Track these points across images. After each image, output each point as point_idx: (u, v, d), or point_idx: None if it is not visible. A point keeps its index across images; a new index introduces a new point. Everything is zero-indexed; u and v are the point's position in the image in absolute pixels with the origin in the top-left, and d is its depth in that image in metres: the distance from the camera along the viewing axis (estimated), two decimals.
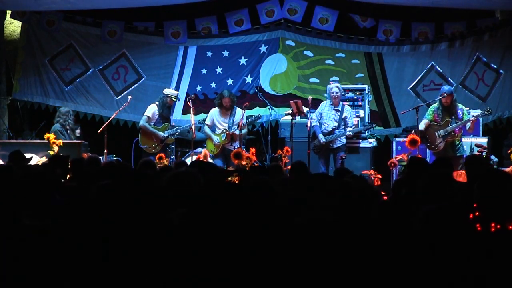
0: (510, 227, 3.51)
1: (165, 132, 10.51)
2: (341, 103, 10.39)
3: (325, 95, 11.40)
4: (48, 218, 3.61)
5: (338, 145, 10.21)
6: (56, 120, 10.98)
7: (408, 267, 3.25)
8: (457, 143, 9.79)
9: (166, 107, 10.57)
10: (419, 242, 3.32)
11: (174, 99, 10.70)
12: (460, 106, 9.84)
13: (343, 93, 10.57)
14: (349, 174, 5.60)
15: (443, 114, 9.74)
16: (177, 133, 10.65)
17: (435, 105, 9.91)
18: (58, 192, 4.11)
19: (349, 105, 11.11)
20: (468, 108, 10.18)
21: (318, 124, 10.24)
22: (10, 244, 3.26)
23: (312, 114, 10.34)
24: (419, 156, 8.95)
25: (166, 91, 10.67)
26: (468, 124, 9.65)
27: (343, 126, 10.23)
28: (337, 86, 10.35)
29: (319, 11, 12.33)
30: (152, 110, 10.55)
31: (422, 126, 9.90)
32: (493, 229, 3.48)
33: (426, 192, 4.16)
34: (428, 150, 10.65)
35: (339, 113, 10.26)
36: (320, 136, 10.13)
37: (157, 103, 10.59)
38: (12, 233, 3.31)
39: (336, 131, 10.18)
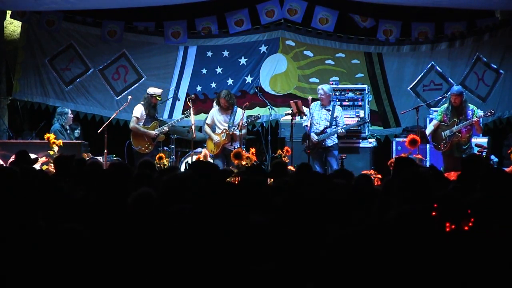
0: (466, 228, 3.52)
1: (156, 130, 10.50)
2: (331, 103, 10.42)
3: None
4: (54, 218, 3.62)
5: (330, 144, 10.23)
6: (55, 120, 11.00)
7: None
8: (465, 144, 9.70)
9: (152, 107, 10.56)
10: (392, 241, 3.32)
11: (159, 98, 10.68)
12: (471, 107, 9.73)
13: (330, 93, 10.44)
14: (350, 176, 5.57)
15: (451, 115, 9.69)
16: (166, 131, 10.62)
17: (445, 105, 9.87)
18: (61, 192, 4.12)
19: (349, 105, 11.13)
20: (493, 110, 10.04)
21: (309, 124, 10.24)
22: (23, 246, 3.27)
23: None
24: (405, 155, 8.93)
25: (150, 90, 10.64)
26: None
27: (335, 126, 10.25)
28: (322, 89, 10.36)
29: (319, 11, 12.34)
30: (139, 110, 10.52)
31: (431, 127, 9.88)
32: (447, 229, 3.49)
33: (401, 191, 4.15)
34: (428, 150, 10.66)
35: (330, 113, 10.30)
36: (312, 134, 10.14)
37: (142, 103, 10.56)
38: (24, 236, 3.31)
39: (328, 130, 10.20)
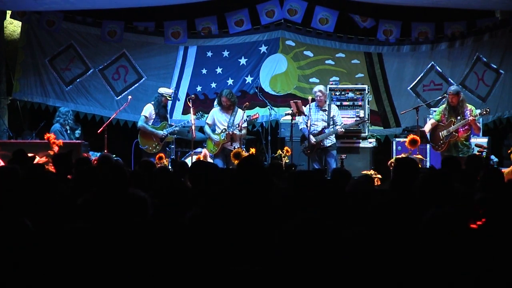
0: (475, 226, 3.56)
1: (164, 130, 10.52)
2: (327, 102, 10.42)
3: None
4: (51, 219, 3.62)
5: (329, 144, 10.24)
6: (55, 120, 11.02)
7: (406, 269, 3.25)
8: (462, 144, 9.67)
9: (162, 107, 10.59)
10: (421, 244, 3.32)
11: (169, 98, 10.70)
12: (469, 106, 9.69)
13: (326, 93, 10.57)
14: (348, 178, 5.55)
15: (449, 114, 9.67)
16: (176, 131, 10.66)
17: (443, 105, 9.86)
18: (60, 193, 4.11)
19: (349, 105, 11.13)
20: (488, 109, 9.91)
21: (305, 126, 10.24)
22: (15, 246, 3.26)
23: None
24: (406, 156, 8.94)
25: (161, 90, 10.68)
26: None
27: (332, 125, 10.26)
28: (320, 91, 10.38)
29: (319, 11, 12.34)
30: (148, 110, 10.56)
31: (428, 126, 9.86)
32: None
33: (424, 193, 4.15)
34: (428, 150, 10.65)
35: (326, 113, 10.31)
36: (310, 136, 10.15)
37: (153, 102, 10.61)
38: (18, 235, 3.31)
39: (326, 131, 10.21)
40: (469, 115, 9.52)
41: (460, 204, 3.92)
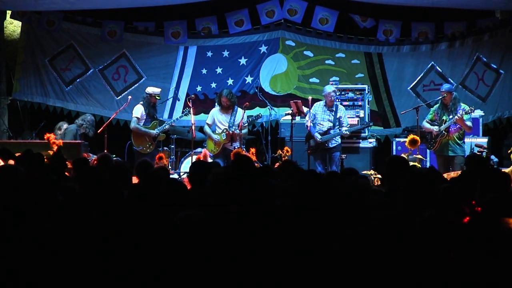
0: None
1: (156, 129, 10.51)
2: (334, 103, 10.42)
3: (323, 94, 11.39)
4: (50, 218, 3.62)
5: (333, 145, 10.22)
6: (78, 122, 11.07)
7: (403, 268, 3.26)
8: (454, 143, 9.67)
9: (151, 106, 10.57)
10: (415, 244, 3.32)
11: (158, 98, 10.69)
12: (462, 106, 9.71)
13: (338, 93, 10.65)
14: (355, 174, 5.57)
15: (442, 113, 9.68)
16: (167, 129, 10.65)
17: (437, 105, 9.86)
18: (61, 193, 4.12)
19: (349, 105, 11.13)
20: (472, 108, 9.84)
21: (312, 125, 10.23)
22: (14, 242, 3.27)
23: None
24: (400, 155, 8.92)
25: (149, 90, 10.64)
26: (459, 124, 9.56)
27: (338, 126, 10.25)
28: (334, 91, 10.37)
29: (319, 11, 12.34)
30: (139, 110, 10.53)
31: (426, 125, 9.84)
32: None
33: (407, 192, 4.15)
34: (428, 150, 10.65)
35: (333, 113, 10.29)
36: (316, 134, 10.13)
37: (142, 103, 10.56)
38: (16, 232, 3.32)
39: (331, 131, 10.19)
40: (460, 115, 9.49)
41: (446, 204, 3.93)
